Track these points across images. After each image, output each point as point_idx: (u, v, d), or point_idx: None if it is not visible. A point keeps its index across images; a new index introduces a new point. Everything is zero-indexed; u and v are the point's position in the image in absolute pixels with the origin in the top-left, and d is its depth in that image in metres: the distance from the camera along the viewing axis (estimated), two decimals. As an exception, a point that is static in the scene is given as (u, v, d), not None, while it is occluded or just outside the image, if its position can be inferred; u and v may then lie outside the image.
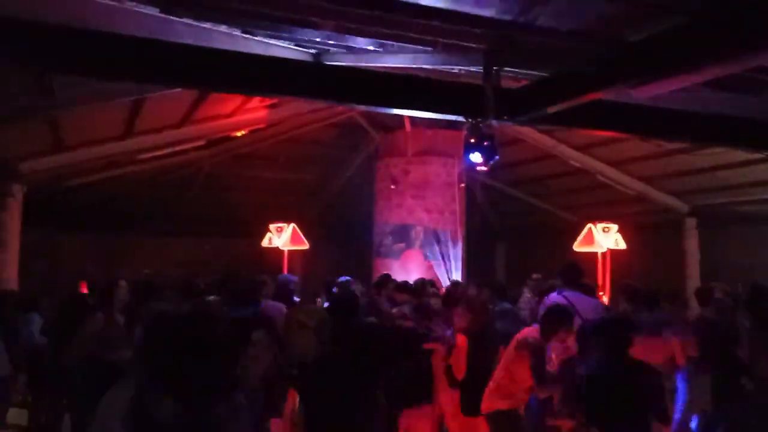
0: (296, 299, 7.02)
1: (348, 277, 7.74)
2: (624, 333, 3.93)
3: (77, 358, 5.43)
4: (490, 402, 4.78)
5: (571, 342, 4.81)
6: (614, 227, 9.96)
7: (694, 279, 10.41)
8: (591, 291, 6.31)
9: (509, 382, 4.71)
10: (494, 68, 5.24)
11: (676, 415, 3.79)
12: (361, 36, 5.64)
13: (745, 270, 9.65)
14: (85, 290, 8.33)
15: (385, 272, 9.53)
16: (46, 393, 6.95)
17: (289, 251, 11.15)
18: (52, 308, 7.20)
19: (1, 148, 8.13)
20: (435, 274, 10.81)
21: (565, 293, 5.65)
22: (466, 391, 5.05)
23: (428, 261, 11.13)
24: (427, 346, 5.21)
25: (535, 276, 7.99)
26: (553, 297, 5.70)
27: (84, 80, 6.46)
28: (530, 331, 4.87)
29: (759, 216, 10.24)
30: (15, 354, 6.55)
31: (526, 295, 7.70)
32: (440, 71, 6.31)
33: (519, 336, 4.88)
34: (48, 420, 6.98)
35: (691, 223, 11.33)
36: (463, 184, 11.55)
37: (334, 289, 7.29)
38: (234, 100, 9.26)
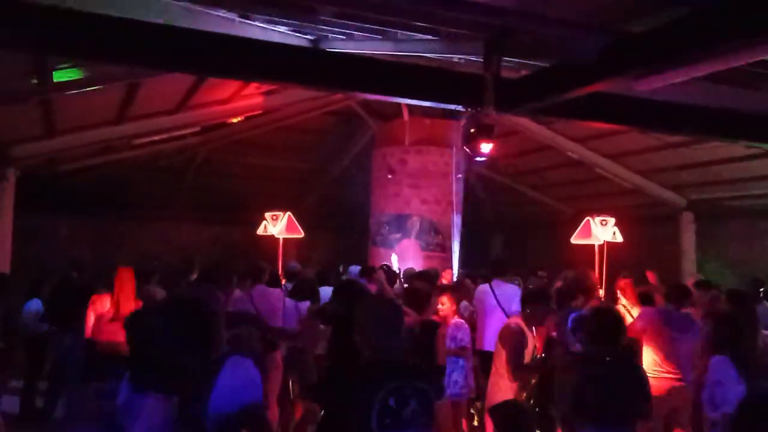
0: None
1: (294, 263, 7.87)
2: (606, 323, 3.87)
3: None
4: (492, 395, 4.78)
5: (550, 325, 5.01)
6: (612, 220, 9.91)
7: (690, 273, 10.41)
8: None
9: (506, 373, 4.71)
10: (495, 57, 5.18)
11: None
12: (361, 23, 5.57)
13: (741, 265, 9.68)
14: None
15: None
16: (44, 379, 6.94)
17: (285, 239, 11.08)
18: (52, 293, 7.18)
19: (-6, 131, 8.05)
20: (430, 264, 10.75)
21: (492, 283, 6.41)
22: None
23: (424, 251, 11.09)
24: None
25: (540, 273, 8.59)
26: (482, 287, 6.55)
27: (78, 64, 6.40)
28: (512, 320, 4.92)
29: (756, 211, 10.23)
30: (12, 339, 6.53)
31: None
32: (440, 59, 6.25)
33: (502, 327, 4.91)
34: (43, 406, 6.95)
35: (688, 217, 11.31)
36: (460, 175, 11.49)
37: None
38: (230, 87, 9.16)
